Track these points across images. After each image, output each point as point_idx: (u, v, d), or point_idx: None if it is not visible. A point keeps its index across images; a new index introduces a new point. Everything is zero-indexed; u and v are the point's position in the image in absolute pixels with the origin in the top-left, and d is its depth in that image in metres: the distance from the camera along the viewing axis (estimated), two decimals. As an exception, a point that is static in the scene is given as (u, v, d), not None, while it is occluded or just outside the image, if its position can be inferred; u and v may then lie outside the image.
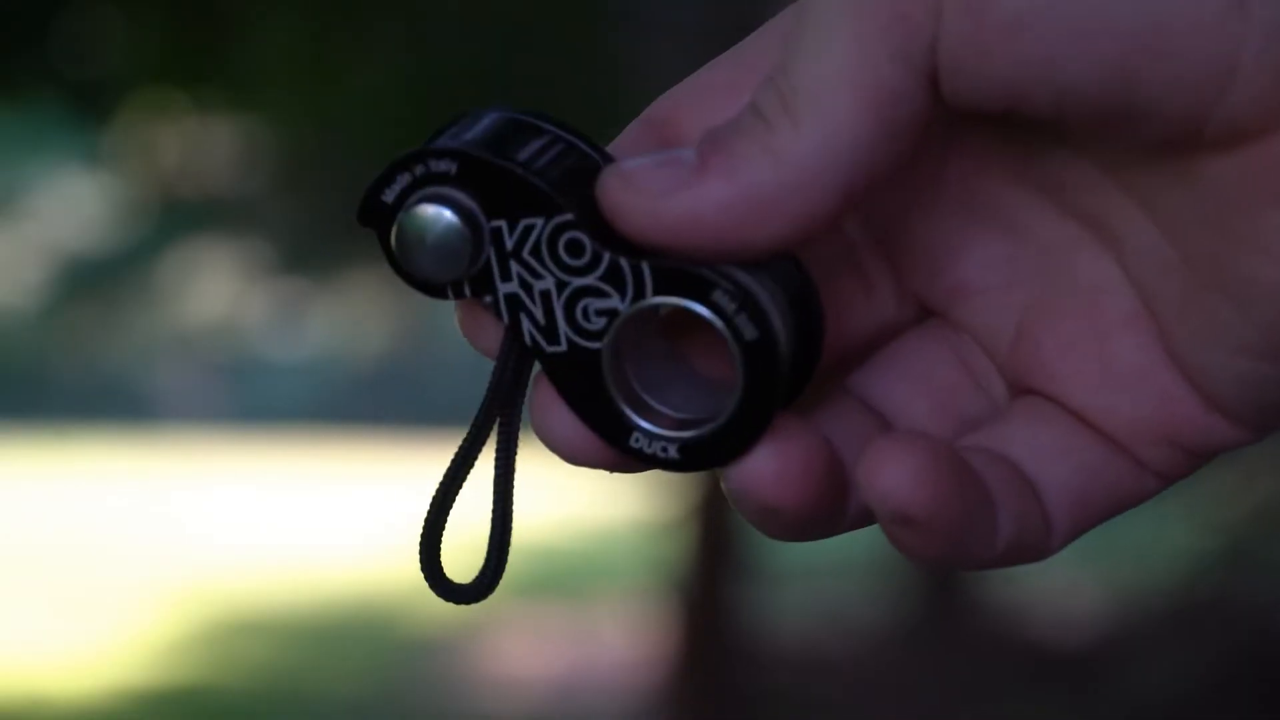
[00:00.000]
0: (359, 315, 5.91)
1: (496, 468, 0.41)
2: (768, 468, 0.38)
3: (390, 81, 3.78)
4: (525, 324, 0.40)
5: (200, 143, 4.29)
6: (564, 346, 0.40)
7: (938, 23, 0.36)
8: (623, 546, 6.11)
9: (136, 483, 8.39)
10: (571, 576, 6.58)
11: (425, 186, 0.40)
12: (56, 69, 3.68)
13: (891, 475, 0.36)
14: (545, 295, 0.40)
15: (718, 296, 0.38)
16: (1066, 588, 4.81)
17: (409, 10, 3.73)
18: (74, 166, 5.13)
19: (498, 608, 6.11)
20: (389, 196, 0.41)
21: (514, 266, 0.39)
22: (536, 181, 0.39)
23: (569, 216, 0.39)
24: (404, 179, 0.41)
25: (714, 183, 0.37)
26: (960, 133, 0.40)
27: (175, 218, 4.86)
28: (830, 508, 0.39)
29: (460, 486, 0.40)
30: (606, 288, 0.39)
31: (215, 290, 5.71)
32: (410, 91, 3.84)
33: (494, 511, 0.41)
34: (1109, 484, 0.40)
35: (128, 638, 5.49)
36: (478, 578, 0.41)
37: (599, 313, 0.39)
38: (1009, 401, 0.41)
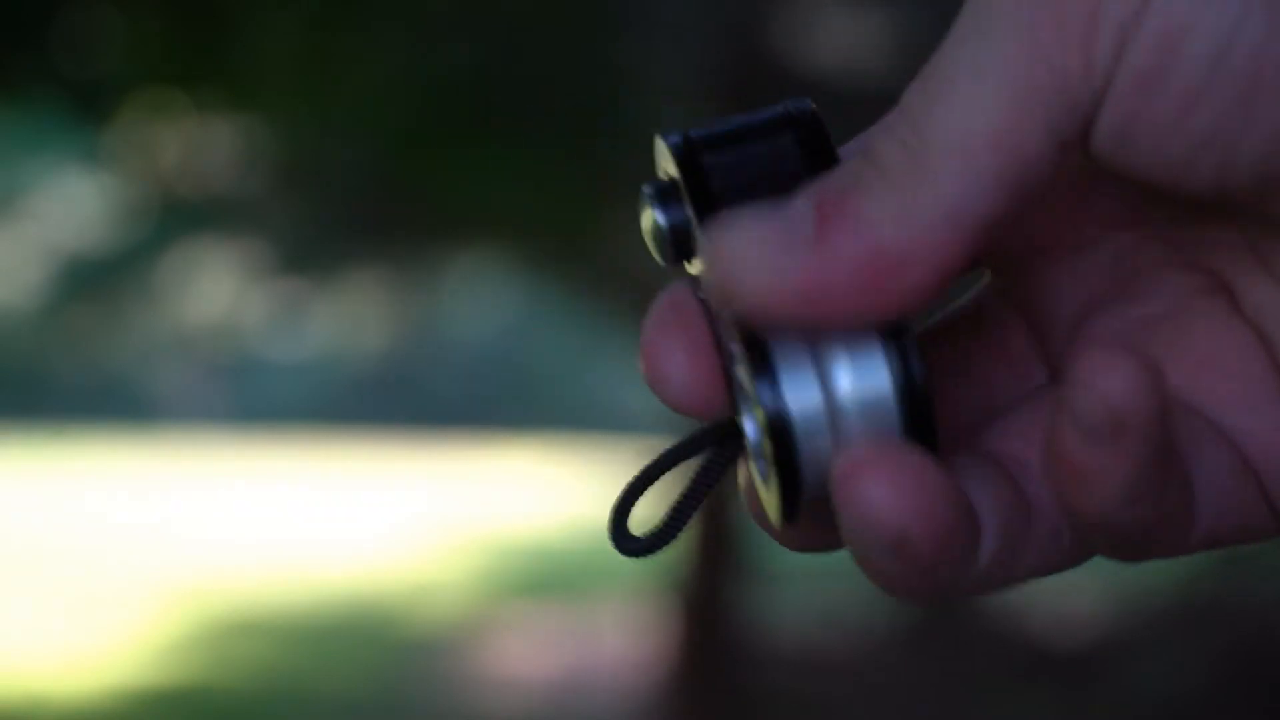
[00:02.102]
0: (359, 315, 5.91)
1: (707, 467, 0.40)
2: (885, 493, 0.36)
3: (390, 81, 3.78)
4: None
5: (200, 143, 4.29)
6: None
7: (1102, 97, 0.36)
8: (623, 546, 6.10)
9: (136, 483, 8.39)
10: (571, 576, 6.57)
11: None
12: (56, 69, 3.68)
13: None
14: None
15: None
16: (1066, 588, 4.81)
17: (409, 10, 3.73)
18: (74, 166, 5.12)
19: (498, 608, 6.11)
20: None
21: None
22: None
23: None
24: None
25: (836, 249, 0.35)
26: (1102, 197, 0.40)
27: (175, 218, 4.86)
28: (960, 543, 0.37)
29: (662, 474, 0.39)
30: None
31: (215, 290, 5.70)
32: (410, 91, 3.84)
33: (688, 494, 0.40)
34: (1241, 501, 0.39)
35: (128, 638, 5.49)
36: (651, 535, 0.41)
37: None
38: None
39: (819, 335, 0.37)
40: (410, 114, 3.90)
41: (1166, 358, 0.40)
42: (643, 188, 0.39)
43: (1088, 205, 0.40)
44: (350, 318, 5.94)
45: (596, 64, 4.03)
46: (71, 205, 5.33)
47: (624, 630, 5.25)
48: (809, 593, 5.01)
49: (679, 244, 0.39)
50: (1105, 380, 0.35)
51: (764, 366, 0.37)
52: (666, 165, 0.39)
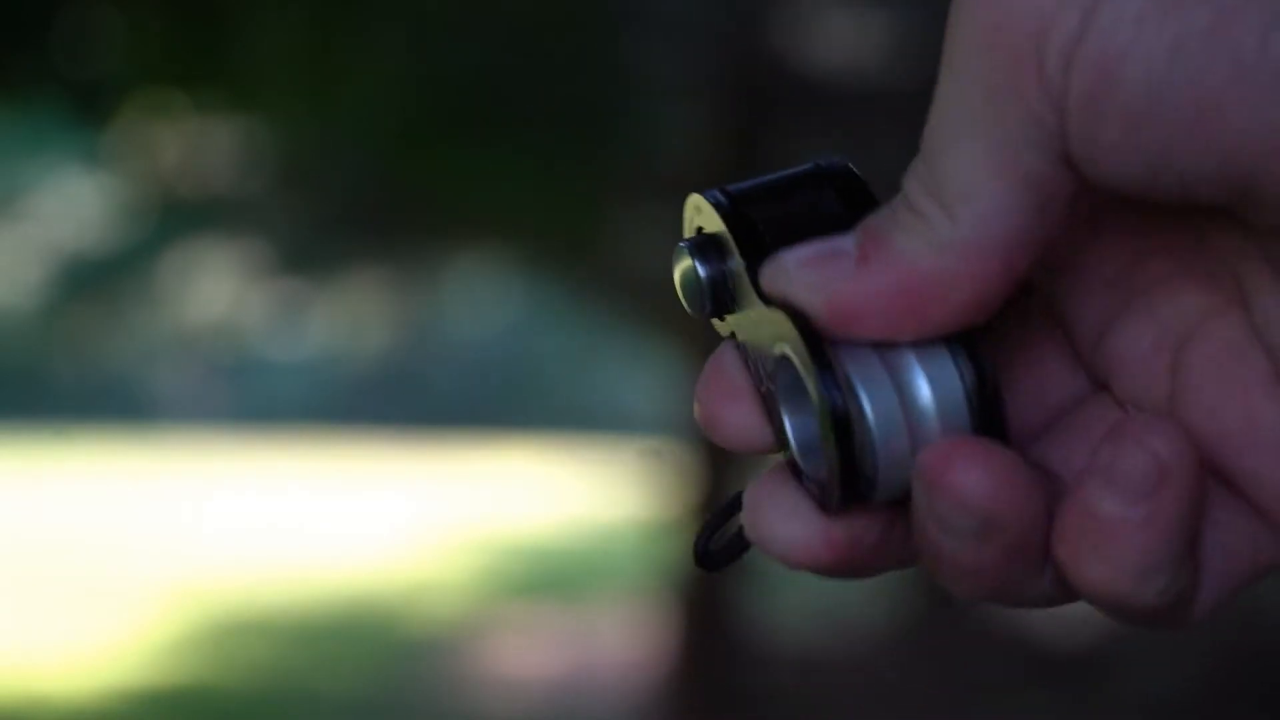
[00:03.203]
0: (359, 315, 5.91)
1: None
2: (979, 476, 0.38)
3: (390, 81, 3.78)
4: None
5: (200, 143, 4.29)
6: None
7: (1063, 119, 0.37)
8: (623, 546, 6.11)
9: (136, 483, 8.38)
10: (571, 576, 6.57)
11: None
12: (56, 69, 3.68)
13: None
14: None
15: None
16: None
17: (409, 10, 3.72)
18: (74, 166, 5.12)
19: (498, 608, 6.10)
20: None
21: None
22: None
23: None
24: None
25: (875, 274, 0.39)
26: (1108, 212, 0.41)
27: (175, 218, 4.86)
28: (1040, 529, 0.38)
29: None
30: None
31: (215, 290, 5.70)
32: (410, 91, 3.84)
33: None
34: (1253, 551, 0.40)
35: (128, 638, 5.49)
36: (727, 547, 0.43)
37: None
38: None
39: (885, 346, 0.40)
40: (410, 114, 3.90)
41: (1183, 386, 0.40)
42: (679, 244, 0.42)
43: (1097, 218, 0.41)
44: (350, 318, 5.94)
45: (597, 64, 4.03)
46: (71, 205, 5.33)
47: (624, 630, 5.25)
48: (809, 593, 5.01)
49: (716, 296, 0.42)
50: (1151, 440, 0.37)
51: (825, 366, 0.39)
52: (702, 220, 0.43)
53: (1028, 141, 0.38)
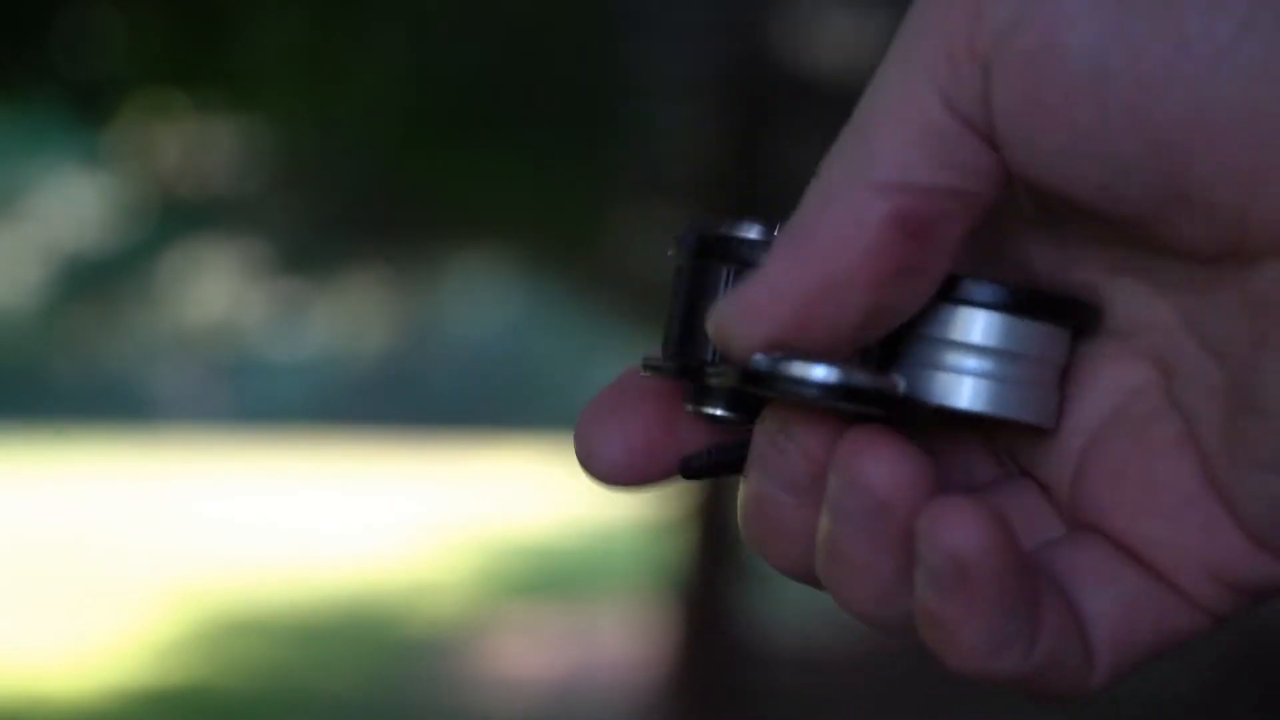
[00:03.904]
0: (359, 315, 5.91)
1: None
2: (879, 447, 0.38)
3: (390, 81, 3.78)
4: None
5: (200, 143, 4.29)
6: None
7: (988, 75, 0.37)
8: (623, 546, 6.12)
9: (136, 483, 8.39)
10: (571, 576, 6.58)
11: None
12: (56, 69, 3.68)
13: (959, 524, 0.36)
14: None
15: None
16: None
17: (409, 10, 3.72)
18: (74, 166, 5.13)
19: (498, 608, 6.11)
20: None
21: None
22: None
23: None
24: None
25: (780, 281, 0.38)
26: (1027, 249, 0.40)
27: (175, 218, 4.86)
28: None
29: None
30: None
31: (215, 290, 5.71)
32: (410, 92, 3.84)
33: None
34: (1155, 618, 0.39)
35: (128, 638, 5.49)
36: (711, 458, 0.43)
37: None
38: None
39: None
40: (410, 114, 3.90)
41: (1089, 457, 0.40)
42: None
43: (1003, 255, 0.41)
44: (350, 318, 5.94)
45: (597, 64, 4.04)
46: (71, 205, 5.33)
47: (624, 630, 5.26)
48: (809, 593, 5.01)
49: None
50: (949, 532, 0.36)
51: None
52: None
53: (936, 88, 0.37)
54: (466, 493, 8.28)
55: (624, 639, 5.14)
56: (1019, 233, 0.40)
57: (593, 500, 7.08)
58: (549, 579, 6.58)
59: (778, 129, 3.96)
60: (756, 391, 0.38)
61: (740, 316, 0.38)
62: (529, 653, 5.39)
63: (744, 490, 0.40)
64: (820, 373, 0.37)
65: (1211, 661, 4.28)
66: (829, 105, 3.78)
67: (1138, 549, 0.39)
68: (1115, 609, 0.39)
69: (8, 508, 7.73)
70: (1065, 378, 0.40)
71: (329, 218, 4.85)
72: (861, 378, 0.38)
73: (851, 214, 0.37)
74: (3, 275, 5.98)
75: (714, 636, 4.16)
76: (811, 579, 0.41)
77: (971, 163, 0.37)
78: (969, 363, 0.39)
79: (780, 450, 0.39)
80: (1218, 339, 0.38)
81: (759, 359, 0.38)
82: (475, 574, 6.63)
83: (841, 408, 0.38)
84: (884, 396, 0.38)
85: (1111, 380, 0.40)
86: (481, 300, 7.10)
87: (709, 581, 4.13)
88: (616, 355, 6.51)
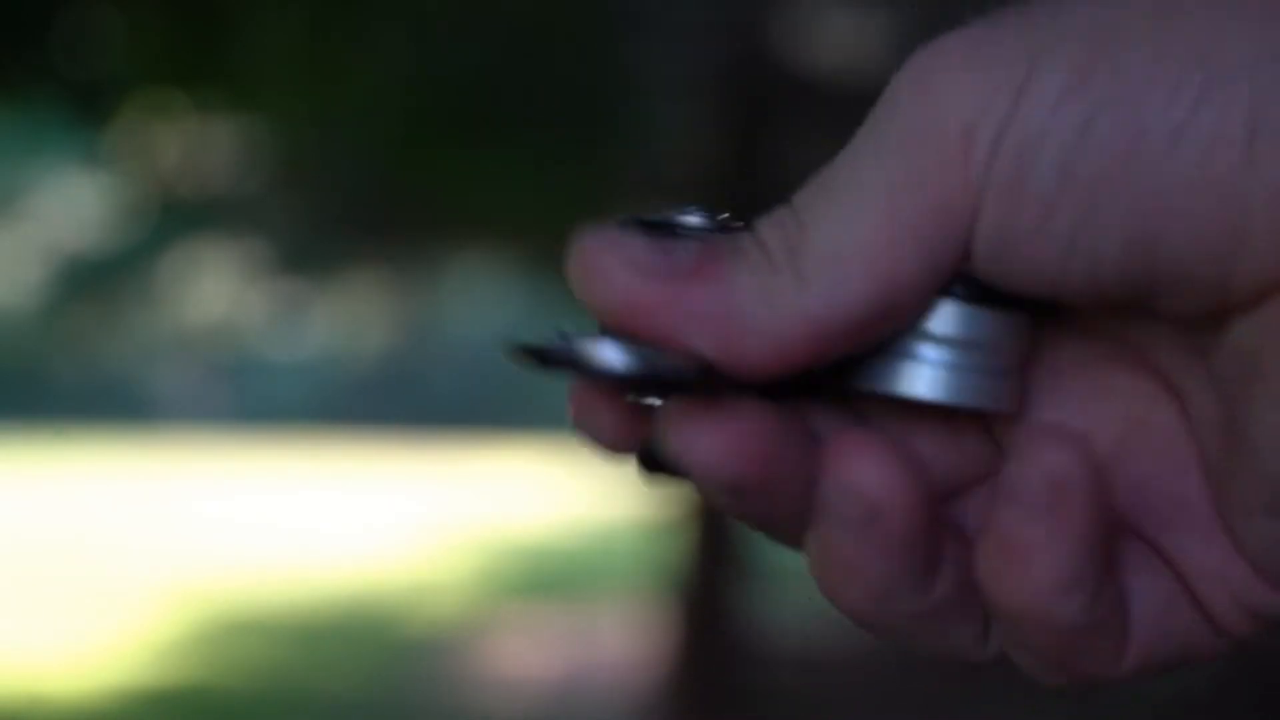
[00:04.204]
0: (359, 315, 5.91)
1: None
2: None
3: (390, 81, 3.78)
4: None
5: (200, 143, 4.29)
6: None
7: (976, 212, 0.37)
8: (623, 546, 6.12)
9: (136, 483, 8.39)
10: (571, 576, 6.58)
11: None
12: (56, 69, 3.68)
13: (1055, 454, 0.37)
14: None
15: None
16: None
17: (409, 10, 3.72)
18: (74, 166, 5.13)
19: (498, 608, 6.11)
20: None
21: None
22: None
23: None
24: None
25: (698, 291, 0.38)
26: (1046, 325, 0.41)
27: (175, 218, 4.86)
28: (914, 515, 0.38)
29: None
30: None
31: (215, 290, 5.71)
32: (410, 92, 3.84)
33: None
34: (1184, 630, 0.40)
35: (128, 638, 5.49)
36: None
37: None
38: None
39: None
40: (410, 114, 3.90)
41: (1113, 467, 0.40)
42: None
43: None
44: (350, 318, 5.94)
45: (597, 65, 4.04)
46: (71, 205, 5.33)
47: (624, 630, 5.26)
48: (809, 593, 5.01)
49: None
50: (1044, 454, 0.37)
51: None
52: None
53: (920, 241, 0.37)
54: (466, 493, 8.28)
55: (624, 639, 5.14)
56: None
57: (593, 500, 7.08)
58: (549, 579, 6.57)
59: (778, 129, 3.96)
60: (546, 369, 0.39)
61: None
62: (529, 653, 5.39)
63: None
64: (609, 354, 0.38)
65: (1217, 662, 4.28)
66: (829, 105, 3.78)
67: (1170, 558, 0.40)
68: (1154, 611, 0.39)
69: (8, 508, 7.72)
70: (1038, 363, 0.41)
71: (329, 218, 4.85)
72: (650, 361, 0.38)
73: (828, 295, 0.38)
74: (3, 275, 5.98)
75: (714, 636, 4.16)
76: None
77: (919, 300, 0.38)
78: (929, 352, 0.39)
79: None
80: (1219, 377, 0.38)
81: (557, 336, 0.38)
82: (475, 574, 6.63)
83: (637, 392, 0.39)
84: (681, 380, 0.38)
85: (1127, 386, 0.40)
86: (481, 300, 7.10)
87: (709, 581, 4.13)
88: (616, 355, 6.50)
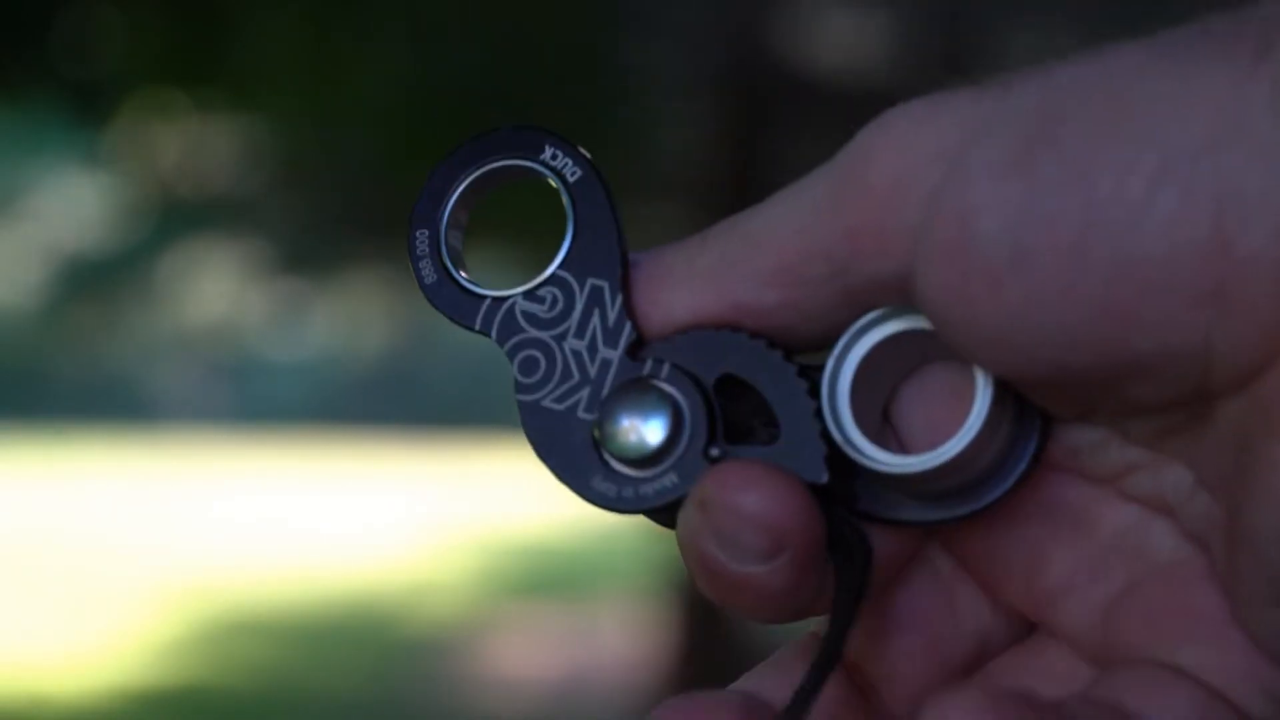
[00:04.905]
0: (359, 315, 5.91)
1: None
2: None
3: (390, 81, 3.78)
4: None
5: (200, 143, 4.29)
6: None
7: (910, 258, 0.38)
8: (623, 546, 6.11)
9: (136, 483, 8.39)
10: (571, 576, 6.58)
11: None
12: (56, 69, 3.68)
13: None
14: None
15: None
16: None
17: (409, 10, 3.72)
18: (74, 166, 5.12)
19: (498, 608, 6.11)
20: None
21: None
22: None
23: None
24: None
25: (647, 261, 0.41)
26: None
27: (175, 218, 4.86)
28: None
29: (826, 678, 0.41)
30: None
31: (215, 290, 5.70)
32: (411, 91, 3.84)
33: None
34: None
35: (128, 638, 5.49)
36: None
37: None
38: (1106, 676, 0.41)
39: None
40: (410, 114, 3.90)
41: (1119, 604, 0.40)
42: None
43: None
44: (350, 318, 5.94)
45: (597, 64, 4.04)
46: (71, 205, 5.33)
47: (624, 630, 5.26)
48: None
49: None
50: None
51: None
52: None
53: (830, 261, 0.39)
54: (466, 493, 8.28)
55: (624, 639, 5.14)
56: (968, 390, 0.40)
57: (593, 500, 7.05)
58: (549, 579, 6.57)
59: (778, 129, 3.96)
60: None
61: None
62: (529, 653, 5.39)
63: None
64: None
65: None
66: (829, 105, 3.78)
67: (1194, 674, 0.39)
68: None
69: (8, 508, 7.72)
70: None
71: (329, 218, 4.84)
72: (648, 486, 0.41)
73: None
74: (3, 275, 5.98)
75: (714, 636, 4.16)
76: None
77: (864, 291, 0.40)
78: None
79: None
80: (1210, 472, 0.38)
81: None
82: (475, 574, 6.63)
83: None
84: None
85: (1121, 525, 0.40)
86: (481, 300, 7.09)
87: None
88: (616, 355, 6.50)
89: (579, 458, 0.41)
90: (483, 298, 0.45)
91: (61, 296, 6.06)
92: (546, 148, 0.42)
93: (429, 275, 0.45)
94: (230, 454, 8.92)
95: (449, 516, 7.75)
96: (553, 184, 0.42)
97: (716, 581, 0.40)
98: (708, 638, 4.16)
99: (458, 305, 0.44)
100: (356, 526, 7.57)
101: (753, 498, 0.39)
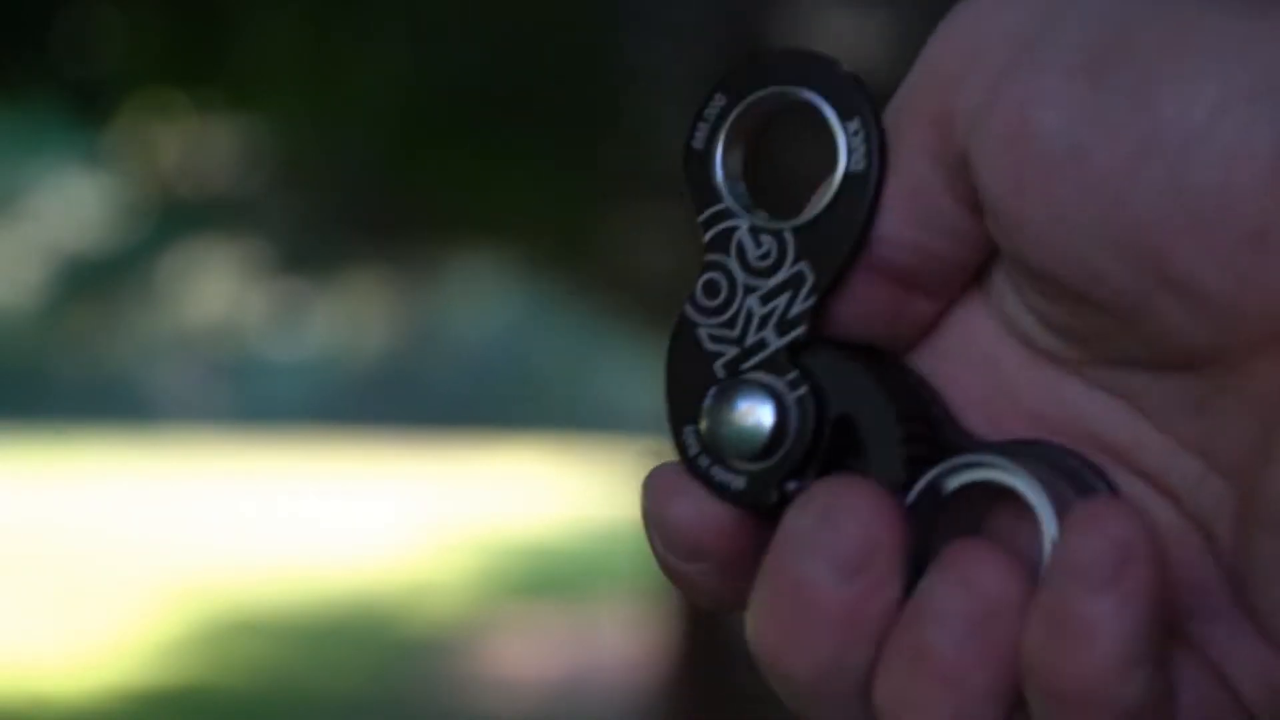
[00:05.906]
0: (359, 315, 5.91)
1: None
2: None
3: (390, 81, 3.78)
4: None
5: (200, 143, 4.29)
6: None
7: (967, 156, 0.38)
8: (623, 546, 6.11)
9: (136, 482, 8.39)
10: (571, 576, 6.58)
11: None
12: (56, 69, 3.68)
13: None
14: None
15: None
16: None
17: (409, 10, 3.72)
18: (74, 166, 5.12)
19: (498, 608, 6.11)
20: None
21: None
22: None
23: None
24: None
25: None
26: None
27: (175, 218, 4.86)
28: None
29: None
30: None
31: (215, 290, 5.71)
32: (410, 91, 3.84)
33: None
34: (1216, 714, 0.38)
35: (128, 638, 5.49)
36: None
37: None
38: None
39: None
40: (410, 114, 3.90)
41: None
42: None
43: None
44: (350, 318, 5.94)
45: (597, 64, 4.04)
46: (71, 205, 5.33)
47: (624, 630, 5.26)
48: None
49: None
50: (1107, 522, 0.36)
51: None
52: None
53: (925, 146, 0.39)
54: (466, 493, 8.28)
55: (624, 639, 5.14)
56: (1002, 355, 0.40)
57: (593, 500, 7.08)
58: (549, 579, 6.57)
59: (777, 129, 3.95)
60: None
61: None
62: (529, 653, 5.39)
63: (769, 580, 0.40)
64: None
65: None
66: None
67: (1201, 649, 0.39)
68: (1197, 699, 0.38)
69: (8, 508, 7.72)
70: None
71: (329, 218, 4.84)
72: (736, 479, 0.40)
73: None
74: (3, 275, 5.98)
75: (714, 636, 4.16)
76: (843, 686, 0.40)
77: (954, 228, 0.39)
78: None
79: (829, 523, 0.39)
80: (1221, 456, 0.38)
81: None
82: (475, 574, 6.63)
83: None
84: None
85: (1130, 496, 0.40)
86: (481, 301, 7.10)
87: (709, 581, 4.13)
88: (616, 355, 6.51)
89: (690, 402, 0.41)
90: (722, 198, 0.44)
91: (61, 296, 6.06)
92: (857, 119, 0.41)
93: (699, 142, 0.45)
94: (230, 454, 8.92)
95: (449, 517, 7.75)
96: (838, 146, 0.41)
97: (665, 571, 0.42)
98: (708, 638, 4.16)
99: (700, 187, 0.44)
100: (357, 526, 7.57)
101: (674, 511, 0.41)
